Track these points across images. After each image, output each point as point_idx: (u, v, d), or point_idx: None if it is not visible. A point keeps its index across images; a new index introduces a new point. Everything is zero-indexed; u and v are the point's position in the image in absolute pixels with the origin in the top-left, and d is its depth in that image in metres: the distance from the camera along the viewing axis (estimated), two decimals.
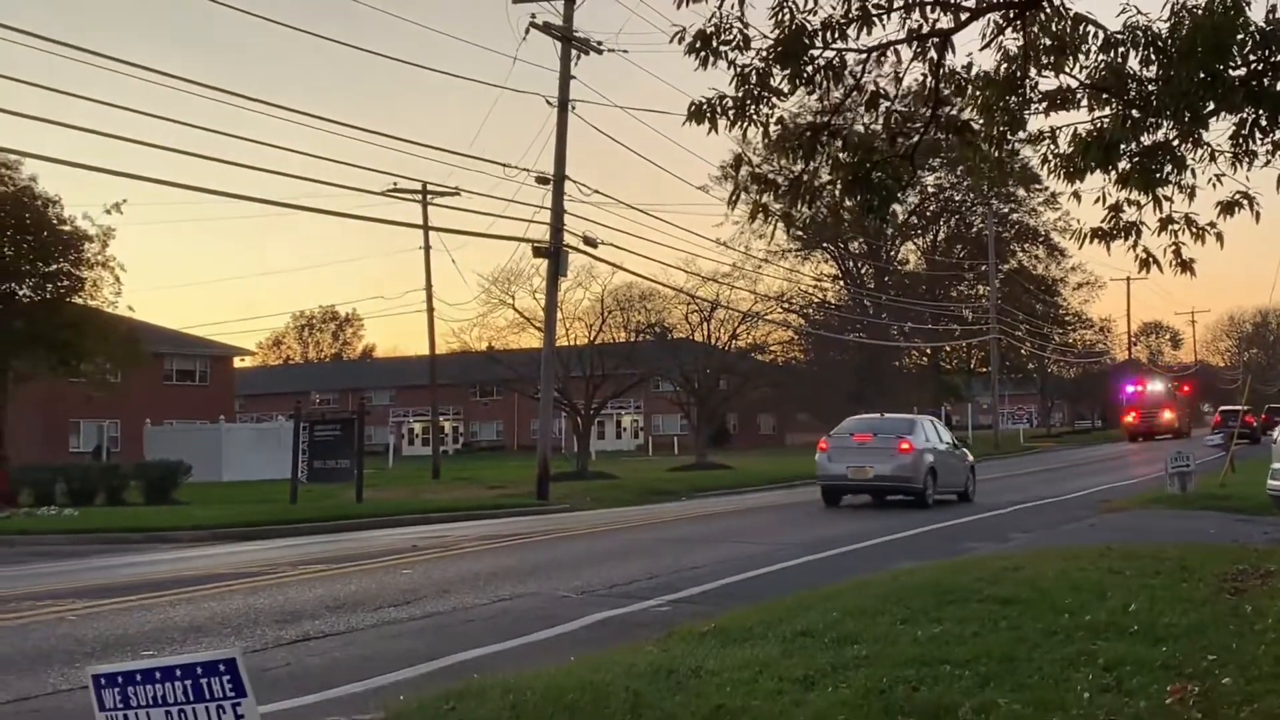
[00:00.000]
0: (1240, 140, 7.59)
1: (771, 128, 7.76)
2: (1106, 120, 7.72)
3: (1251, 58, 7.21)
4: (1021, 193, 69.04)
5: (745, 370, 54.68)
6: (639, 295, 50.73)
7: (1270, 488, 16.48)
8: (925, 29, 7.65)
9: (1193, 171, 7.83)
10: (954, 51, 7.89)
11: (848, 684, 6.21)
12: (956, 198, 72.19)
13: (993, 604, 8.60)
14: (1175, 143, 7.81)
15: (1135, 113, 7.66)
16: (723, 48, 7.40)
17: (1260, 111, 7.38)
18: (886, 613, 8.30)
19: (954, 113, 8.68)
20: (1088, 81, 7.78)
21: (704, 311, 49.80)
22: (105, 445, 50.60)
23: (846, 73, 7.76)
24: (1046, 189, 63.67)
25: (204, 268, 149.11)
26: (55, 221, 28.20)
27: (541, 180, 28.93)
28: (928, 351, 69.39)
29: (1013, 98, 7.88)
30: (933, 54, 7.77)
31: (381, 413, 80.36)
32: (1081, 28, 7.48)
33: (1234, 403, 48.53)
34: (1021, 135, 8.34)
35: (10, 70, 45.32)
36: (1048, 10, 7.61)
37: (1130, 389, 68.08)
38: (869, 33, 7.40)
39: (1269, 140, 7.57)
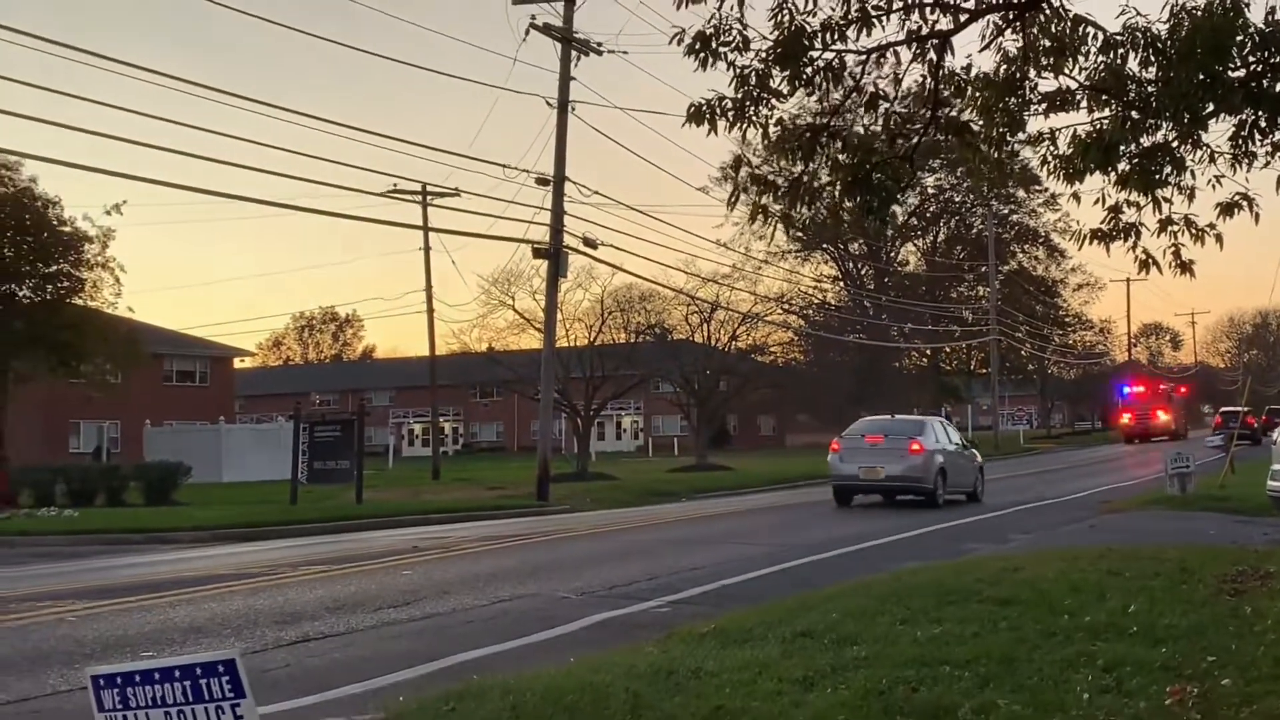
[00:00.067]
0: (1240, 142, 7.60)
1: (771, 129, 7.77)
2: (1106, 121, 7.74)
3: (1251, 59, 7.22)
4: (1021, 194, 69.11)
5: (745, 371, 54.69)
6: (639, 296, 50.86)
7: (1270, 489, 16.48)
8: (924, 30, 7.66)
9: (1192, 173, 7.86)
10: (953, 53, 7.91)
11: (847, 685, 6.22)
12: (956, 199, 72.28)
13: (992, 605, 8.61)
14: (1175, 144, 7.82)
15: (1135, 114, 7.68)
16: (722, 49, 7.41)
17: (1260, 113, 7.39)
18: (886, 614, 8.31)
19: (953, 114, 8.68)
20: (1087, 83, 7.79)
21: (704, 313, 49.83)
22: (105, 446, 50.60)
23: (846, 74, 7.76)
24: (1046, 190, 63.94)
25: (203, 268, 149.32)
26: (55, 222, 28.18)
27: (541, 181, 28.92)
28: (928, 352, 69.36)
29: (1012, 99, 7.90)
30: (932, 55, 7.77)
31: (381, 414, 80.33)
32: (1081, 29, 7.49)
33: (1234, 404, 48.53)
34: (1021, 136, 8.36)
35: (9, 71, 45.22)
36: (1047, 11, 7.62)
37: (1125, 391, 68.07)
38: (868, 34, 7.41)
39: (1268, 142, 7.58)
